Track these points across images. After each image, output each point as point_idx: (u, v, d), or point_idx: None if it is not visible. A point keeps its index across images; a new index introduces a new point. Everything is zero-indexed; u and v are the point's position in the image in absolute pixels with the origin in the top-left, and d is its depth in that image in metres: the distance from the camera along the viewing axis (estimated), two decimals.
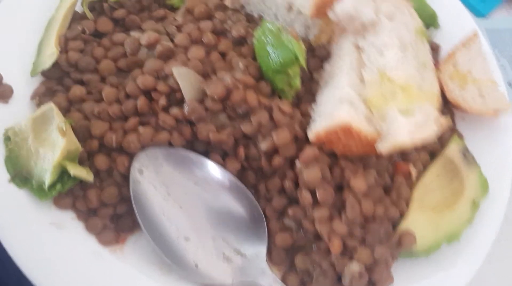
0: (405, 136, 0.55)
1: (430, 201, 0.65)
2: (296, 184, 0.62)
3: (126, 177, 0.61)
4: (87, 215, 0.61)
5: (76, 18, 0.70)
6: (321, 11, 0.64)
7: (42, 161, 0.58)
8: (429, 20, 0.79)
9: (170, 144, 0.62)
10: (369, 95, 0.61)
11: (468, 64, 0.73)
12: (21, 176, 0.58)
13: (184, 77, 0.63)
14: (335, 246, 0.58)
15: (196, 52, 0.65)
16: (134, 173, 0.61)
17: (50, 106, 0.59)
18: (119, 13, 0.70)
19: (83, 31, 0.68)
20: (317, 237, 0.60)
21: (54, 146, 0.58)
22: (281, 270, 0.63)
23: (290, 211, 0.61)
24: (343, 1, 0.61)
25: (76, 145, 0.58)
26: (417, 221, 0.62)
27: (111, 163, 0.61)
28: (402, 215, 0.62)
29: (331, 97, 0.61)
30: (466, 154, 0.68)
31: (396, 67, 0.60)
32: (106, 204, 0.61)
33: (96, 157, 0.61)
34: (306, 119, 0.65)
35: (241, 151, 0.63)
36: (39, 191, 0.58)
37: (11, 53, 0.66)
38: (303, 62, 0.62)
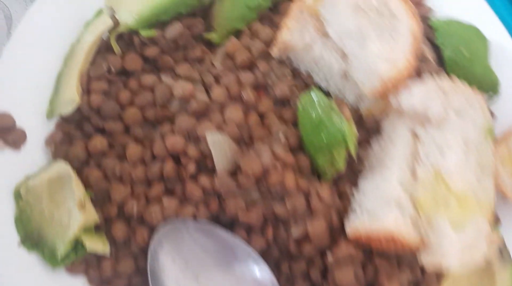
0: (454, 259, 0.50)
1: None
2: (323, 272, 0.58)
3: (144, 248, 0.57)
4: (100, 283, 0.57)
5: (101, 49, 0.62)
6: (383, 95, 0.56)
7: (56, 226, 0.54)
8: (490, 86, 0.71)
9: (194, 216, 0.58)
10: (420, 196, 0.55)
11: None
12: (32, 239, 0.54)
13: (218, 145, 0.57)
14: None
15: (234, 114, 0.59)
16: (154, 246, 0.56)
17: (68, 172, 0.54)
18: (151, 51, 0.61)
19: (109, 70, 0.60)
20: None
21: (70, 213, 0.53)
22: None
23: None
24: (412, 93, 0.54)
25: (94, 217, 0.53)
26: None
27: (130, 233, 0.56)
28: None
29: (378, 191, 0.56)
30: (502, 250, 0.64)
31: (455, 173, 0.54)
32: (120, 276, 0.57)
33: (114, 226, 0.56)
34: (344, 202, 0.59)
35: (270, 232, 0.58)
36: (51, 258, 0.54)
37: (24, 87, 0.59)
38: (352, 148, 0.56)
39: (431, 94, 0.54)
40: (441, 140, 0.55)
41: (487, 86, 0.70)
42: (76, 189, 0.53)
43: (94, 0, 0.63)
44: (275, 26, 0.66)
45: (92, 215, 0.53)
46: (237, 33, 0.66)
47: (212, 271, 0.58)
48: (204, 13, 0.66)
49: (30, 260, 0.54)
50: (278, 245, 0.60)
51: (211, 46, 0.66)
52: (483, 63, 0.71)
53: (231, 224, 0.59)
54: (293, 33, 0.59)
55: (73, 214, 0.53)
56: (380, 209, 0.54)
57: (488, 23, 0.73)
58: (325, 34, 0.60)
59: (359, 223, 0.55)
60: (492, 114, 0.72)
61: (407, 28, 0.53)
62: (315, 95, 0.58)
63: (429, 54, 0.70)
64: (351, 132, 0.56)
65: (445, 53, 0.70)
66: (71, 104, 0.57)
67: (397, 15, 0.54)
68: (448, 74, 0.70)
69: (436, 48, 0.72)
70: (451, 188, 0.54)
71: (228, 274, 0.58)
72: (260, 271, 0.57)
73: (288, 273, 0.60)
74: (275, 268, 0.60)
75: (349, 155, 0.57)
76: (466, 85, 0.57)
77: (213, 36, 0.65)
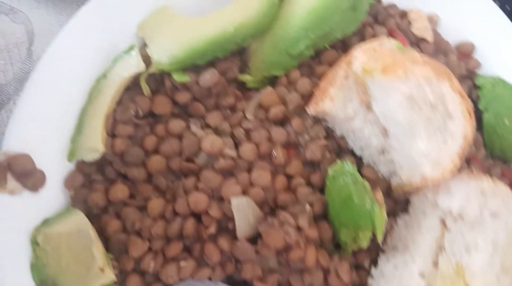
0: None
1: None
2: None
3: None
4: None
5: (129, 88, 0.58)
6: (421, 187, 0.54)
7: (72, 278, 0.53)
8: None
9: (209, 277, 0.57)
10: None
11: None
12: None
13: (242, 210, 0.55)
14: None
15: (262, 176, 0.56)
16: None
17: (88, 230, 0.52)
18: (183, 97, 0.58)
19: (136, 113, 0.57)
20: None
21: (88, 269, 0.52)
22: None
23: None
24: (451, 193, 0.51)
25: (112, 278, 0.52)
26: None
27: None
28: None
29: (397, 277, 0.55)
30: None
31: (478, 273, 0.53)
32: None
33: (129, 280, 0.55)
34: (360, 275, 0.59)
35: None
36: None
37: (45, 125, 0.55)
38: (379, 234, 0.54)
39: (470, 196, 0.52)
40: (470, 238, 0.53)
41: None
42: (96, 252, 0.51)
43: (124, 30, 0.59)
44: (315, 76, 0.62)
45: (110, 277, 0.52)
46: (273, 79, 0.62)
47: None
48: (241, 52, 0.62)
49: None
50: None
51: (243, 87, 0.62)
52: None
53: (244, 283, 0.59)
54: (335, 103, 0.55)
55: (90, 270, 0.52)
56: None
57: None
58: (368, 107, 0.56)
59: None
60: None
61: (460, 130, 0.50)
62: (349, 168, 0.56)
63: None
64: (381, 217, 0.54)
65: (485, 116, 0.67)
66: (95, 153, 0.54)
67: (452, 115, 0.50)
68: (484, 139, 0.67)
69: (477, 109, 0.68)
70: None
71: None
72: None
73: None
74: None
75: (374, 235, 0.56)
76: (506, 188, 0.54)
77: (247, 79, 0.61)
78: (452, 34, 0.70)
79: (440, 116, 0.51)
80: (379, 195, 0.54)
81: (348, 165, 0.56)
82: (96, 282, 0.52)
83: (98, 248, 0.52)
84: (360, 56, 0.53)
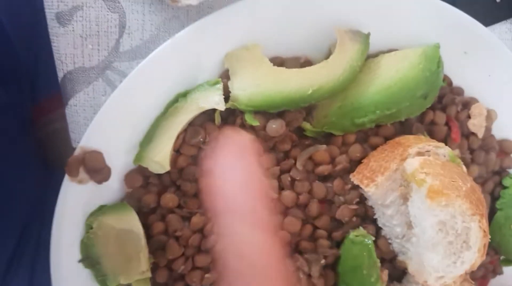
0: None
1: None
2: None
3: None
4: None
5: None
6: None
7: (114, 263, 0.62)
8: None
9: None
10: None
11: None
12: (91, 261, 0.63)
13: None
14: None
15: (293, 225, 0.64)
16: None
17: (139, 234, 0.60)
18: None
19: (204, 140, 0.62)
20: None
21: (129, 262, 0.61)
22: None
23: None
24: None
25: (148, 277, 0.62)
26: None
27: (169, 281, 0.66)
28: None
29: None
30: None
31: None
32: None
33: (159, 272, 0.65)
34: None
35: None
36: (101, 283, 0.63)
37: (121, 126, 0.61)
38: None
39: None
40: None
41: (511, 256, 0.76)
42: (143, 258, 0.60)
43: (213, 56, 0.62)
44: (367, 145, 0.67)
45: (147, 276, 0.61)
46: (330, 135, 0.67)
47: None
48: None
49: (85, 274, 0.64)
50: None
51: (301, 133, 0.67)
52: None
53: None
54: (379, 190, 0.61)
55: (132, 264, 0.61)
56: None
57: None
58: (405, 199, 0.62)
59: None
60: (500, 271, 0.79)
61: (471, 261, 0.57)
62: (368, 242, 0.64)
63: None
64: None
65: (497, 215, 0.73)
66: (160, 168, 0.60)
67: (471, 248, 0.57)
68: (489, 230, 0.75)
69: (493, 203, 0.75)
70: None
71: None
72: None
73: None
74: None
75: None
76: None
77: (308, 127, 0.66)
78: (501, 130, 0.74)
79: (460, 243, 0.58)
80: (385, 274, 0.63)
81: (369, 239, 0.64)
82: (134, 274, 0.61)
83: (144, 255, 0.60)
84: (414, 162, 0.58)
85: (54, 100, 1.00)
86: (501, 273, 0.79)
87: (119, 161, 0.62)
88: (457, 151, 0.67)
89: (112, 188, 0.63)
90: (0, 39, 0.75)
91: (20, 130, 0.85)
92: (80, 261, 0.63)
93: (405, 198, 0.62)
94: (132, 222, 0.61)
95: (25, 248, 0.80)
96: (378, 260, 0.63)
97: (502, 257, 0.78)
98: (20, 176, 0.82)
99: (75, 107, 0.67)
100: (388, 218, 0.64)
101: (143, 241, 0.60)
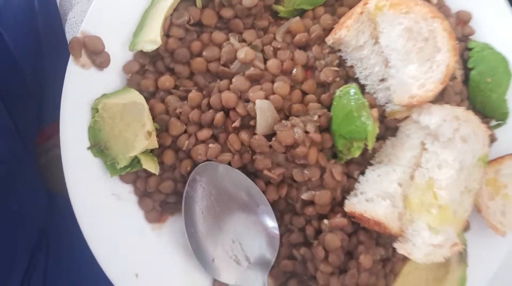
0: (420, 256, 0.64)
1: (414, 279, 0.76)
2: (316, 232, 0.72)
3: (183, 176, 0.70)
4: (143, 193, 0.71)
5: None
6: (408, 107, 0.67)
7: (121, 143, 0.66)
8: (500, 116, 0.81)
9: (229, 162, 0.70)
10: (411, 196, 0.68)
11: (508, 178, 0.78)
12: (99, 147, 0.66)
13: (263, 111, 0.68)
14: None
15: (282, 88, 0.69)
16: (193, 176, 0.69)
17: (142, 103, 0.65)
18: (227, 13, 0.70)
19: (188, 20, 0.69)
20: (314, 278, 0.73)
21: (136, 136, 0.65)
22: (274, 283, 0.77)
23: (302, 250, 0.72)
24: (431, 113, 0.64)
25: (155, 145, 0.65)
26: None
27: (177, 162, 0.69)
28: None
29: (379, 184, 0.69)
30: (462, 251, 0.78)
31: (445, 187, 0.66)
32: (160, 192, 0.70)
33: (166, 153, 0.69)
34: (349, 183, 0.72)
35: (284, 189, 0.71)
36: (111, 167, 0.67)
37: (116, 19, 0.68)
38: (370, 144, 0.67)
39: (446, 118, 0.65)
40: (443, 156, 0.66)
41: (498, 114, 0.81)
42: (147, 121, 0.64)
43: None
44: (336, 15, 0.74)
45: (153, 143, 0.65)
46: (302, 12, 0.74)
47: (232, 207, 0.72)
48: None
49: (94, 163, 0.67)
50: (286, 201, 0.73)
51: (276, 16, 0.75)
52: (501, 94, 0.80)
53: (254, 174, 0.72)
54: (350, 32, 0.68)
55: (138, 137, 0.65)
56: (377, 198, 0.67)
57: None
58: (376, 41, 0.69)
59: (357, 203, 0.68)
60: (494, 138, 0.83)
61: (444, 62, 0.62)
62: (353, 89, 0.68)
63: (459, 72, 0.79)
64: (373, 131, 0.67)
65: (472, 74, 0.79)
66: (153, 45, 0.67)
67: (440, 49, 0.63)
68: (469, 93, 0.80)
69: (466, 67, 0.81)
70: (437, 198, 0.66)
71: (243, 212, 0.72)
72: (269, 218, 0.71)
73: (288, 224, 0.74)
74: (280, 217, 0.74)
75: (365, 148, 0.69)
76: (477, 117, 0.67)
77: (280, 9, 0.74)
78: (454, 2, 0.82)
79: (430, 48, 0.63)
80: (375, 112, 0.67)
81: (353, 88, 0.69)
82: (141, 145, 0.65)
83: (148, 117, 0.65)
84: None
85: (57, 125, 1.07)
86: (494, 140, 0.83)
87: (117, 52, 0.68)
88: None
89: (113, 79, 0.68)
90: (8, 65, 0.83)
91: (26, 155, 0.91)
92: (89, 148, 0.66)
93: (376, 40, 0.69)
94: (134, 95, 0.66)
95: (32, 273, 0.83)
96: (366, 100, 0.67)
97: (493, 123, 0.82)
98: (27, 203, 0.86)
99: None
100: (366, 62, 0.69)
101: (146, 107, 0.65)
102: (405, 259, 0.76)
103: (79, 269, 0.89)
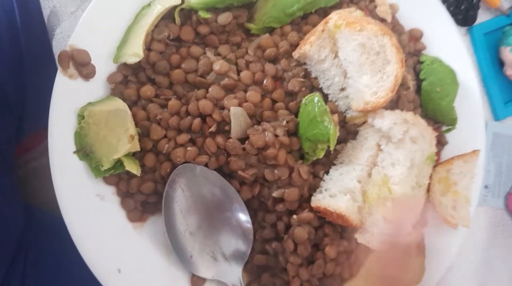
0: (378, 243, 0.72)
1: (377, 269, 0.84)
2: (286, 227, 0.79)
3: (163, 177, 0.76)
4: (125, 194, 0.76)
5: (165, 16, 0.77)
6: (364, 112, 0.75)
7: (105, 147, 0.72)
8: (449, 122, 0.91)
9: (206, 164, 0.77)
10: (369, 192, 0.76)
11: (458, 176, 0.87)
12: (85, 151, 0.72)
13: (237, 117, 0.75)
14: (294, 285, 0.78)
15: (254, 96, 0.76)
16: (173, 177, 0.75)
17: (125, 109, 0.71)
18: (203, 29, 0.77)
19: (168, 36, 0.76)
20: (285, 270, 0.79)
21: (119, 140, 0.71)
22: (248, 277, 0.83)
23: (273, 245, 0.79)
24: (383, 117, 0.73)
25: (137, 148, 0.71)
26: (359, 285, 0.82)
27: (157, 164, 0.75)
28: (352, 276, 0.82)
29: (341, 181, 0.76)
30: (420, 244, 0.86)
31: (398, 183, 0.74)
32: (142, 193, 0.76)
33: (147, 156, 0.75)
34: (315, 181, 0.79)
35: (257, 188, 0.78)
36: (95, 169, 0.72)
37: (101, 33, 0.74)
38: (332, 145, 0.75)
39: (397, 122, 0.73)
40: (395, 156, 0.75)
41: (448, 120, 0.90)
42: (130, 125, 0.70)
43: None
44: (301, 33, 0.83)
45: (135, 146, 0.71)
46: (271, 30, 0.82)
47: (209, 206, 0.78)
48: (249, 6, 0.82)
49: (80, 166, 0.73)
50: (259, 199, 0.80)
51: (248, 33, 0.82)
52: (449, 102, 0.89)
53: (229, 175, 0.79)
54: (313, 47, 0.76)
55: (121, 141, 0.71)
56: (339, 194, 0.75)
57: (466, 72, 0.92)
58: (336, 55, 0.77)
59: (322, 199, 0.76)
60: (445, 141, 0.92)
61: (393, 73, 0.71)
62: (317, 98, 0.76)
63: (411, 83, 0.88)
64: (334, 134, 0.74)
65: (423, 85, 0.88)
66: (135, 57, 0.73)
67: (389, 61, 0.71)
68: (421, 101, 0.89)
69: (418, 78, 0.90)
70: (391, 192, 0.74)
71: (219, 210, 0.78)
72: (243, 215, 0.78)
73: (261, 221, 0.81)
74: (253, 215, 0.81)
75: (328, 149, 0.77)
76: (424, 121, 0.76)
77: (251, 27, 0.81)
78: (407, 22, 0.92)
79: (381, 61, 0.72)
80: (336, 117, 0.75)
81: (317, 96, 0.77)
82: (124, 148, 0.71)
83: (131, 121, 0.71)
84: (334, 17, 0.75)
85: (36, 137, 1.11)
86: (445, 143, 0.92)
87: (102, 64, 0.75)
88: None
89: (98, 88, 0.75)
90: None
91: (4, 168, 0.95)
92: (75, 152, 0.72)
93: (336, 54, 0.77)
94: (117, 103, 0.72)
95: (11, 280, 0.87)
96: (328, 107, 0.75)
97: (444, 128, 0.92)
98: (4, 214, 0.90)
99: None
100: (327, 73, 0.78)
101: (129, 112, 0.71)
102: (368, 251, 0.84)
103: (58, 277, 0.92)
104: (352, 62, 0.73)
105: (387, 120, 0.73)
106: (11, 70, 0.90)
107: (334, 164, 0.81)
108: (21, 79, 0.93)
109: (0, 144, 0.91)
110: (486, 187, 1.03)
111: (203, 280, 0.79)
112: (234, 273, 0.79)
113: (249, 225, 0.79)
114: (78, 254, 0.72)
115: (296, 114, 0.79)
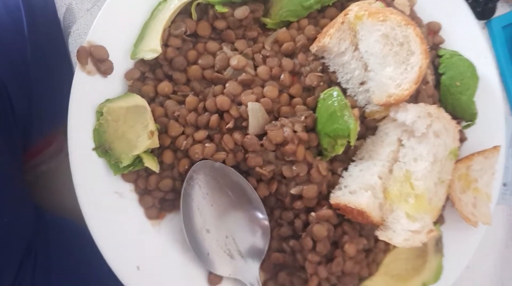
0: (400, 240, 0.71)
1: (394, 268, 0.83)
2: (304, 225, 0.78)
3: (181, 174, 0.76)
4: (143, 192, 0.76)
5: (182, 12, 0.77)
6: (385, 106, 0.74)
7: (124, 145, 0.71)
8: (469, 117, 0.89)
9: (223, 161, 0.76)
10: (390, 188, 0.74)
11: (478, 173, 0.85)
12: (103, 148, 0.72)
13: (255, 112, 0.74)
14: (312, 283, 0.77)
15: (272, 91, 0.75)
16: (191, 174, 0.75)
17: (144, 105, 0.71)
18: (220, 24, 0.77)
19: (185, 31, 0.75)
20: (303, 269, 0.78)
21: (138, 136, 0.71)
22: (265, 276, 0.82)
23: (291, 243, 0.78)
24: (407, 111, 0.71)
25: (156, 144, 0.71)
26: (377, 283, 0.81)
27: (175, 161, 0.75)
28: (370, 275, 0.81)
29: (361, 177, 0.75)
30: (438, 242, 0.85)
31: (420, 178, 0.73)
32: (160, 190, 0.76)
33: (165, 152, 0.74)
34: (334, 178, 0.78)
35: (274, 185, 0.77)
36: (114, 166, 0.72)
37: (119, 29, 0.74)
38: (352, 141, 0.74)
39: (420, 115, 0.72)
40: (418, 151, 0.73)
41: (467, 115, 0.88)
42: (150, 121, 0.70)
43: None
44: (319, 26, 0.81)
45: (155, 142, 0.71)
46: (288, 24, 0.81)
47: (226, 203, 0.77)
48: (265, 0, 0.81)
49: (99, 163, 0.72)
50: (276, 196, 0.79)
51: (264, 28, 0.81)
52: (469, 96, 0.87)
53: (246, 172, 0.78)
54: (332, 40, 0.75)
55: (141, 137, 0.70)
56: (359, 190, 0.74)
57: (486, 66, 0.90)
58: (356, 47, 0.76)
59: (342, 196, 0.75)
60: (464, 137, 0.91)
61: (418, 64, 0.69)
62: (336, 92, 0.75)
63: (430, 77, 0.87)
64: (355, 129, 0.73)
65: (442, 79, 0.86)
66: (153, 53, 0.73)
67: (414, 52, 0.70)
68: (440, 96, 0.88)
69: (437, 73, 0.89)
70: (414, 188, 0.73)
71: (236, 208, 0.78)
72: (260, 213, 0.77)
73: (278, 219, 0.80)
74: (270, 212, 0.80)
75: (348, 145, 0.76)
76: (447, 114, 0.75)
77: (268, 21, 0.80)
78: (425, 15, 0.91)
79: (405, 51, 0.71)
80: (356, 111, 0.74)
81: (336, 91, 0.75)
82: (144, 144, 0.70)
83: (151, 117, 0.70)
84: (355, 8, 0.74)
85: (44, 141, 1.11)
86: (465, 139, 0.91)
87: (120, 61, 0.74)
88: None
89: (115, 85, 0.74)
90: None
91: (13, 174, 0.95)
92: (94, 149, 0.72)
93: (356, 47, 0.76)
94: (136, 99, 0.72)
95: (22, 282, 0.87)
96: (348, 101, 0.74)
97: (463, 123, 0.90)
98: (14, 218, 0.91)
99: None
100: (347, 67, 0.77)
101: (148, 108, 0.71)
102: (386, 250, 0.83)
103: (66, 280, 0.93)
104: (374, 53, 0.72)
105: (411, 113, 0.71)
106: (16, 75, 0.90)
107: (353, 161, 0.80)
108: (27, 83, 0.93)
109: (9, 149, 0.91)
110: (504, 185, 1.02)
111: (220, 278, 0.79)
112: (251, 271, 0.78)
113: (266, 222, 0.78)
114: (86, 257, 0.72)
115: (314, 110, 0.78)
